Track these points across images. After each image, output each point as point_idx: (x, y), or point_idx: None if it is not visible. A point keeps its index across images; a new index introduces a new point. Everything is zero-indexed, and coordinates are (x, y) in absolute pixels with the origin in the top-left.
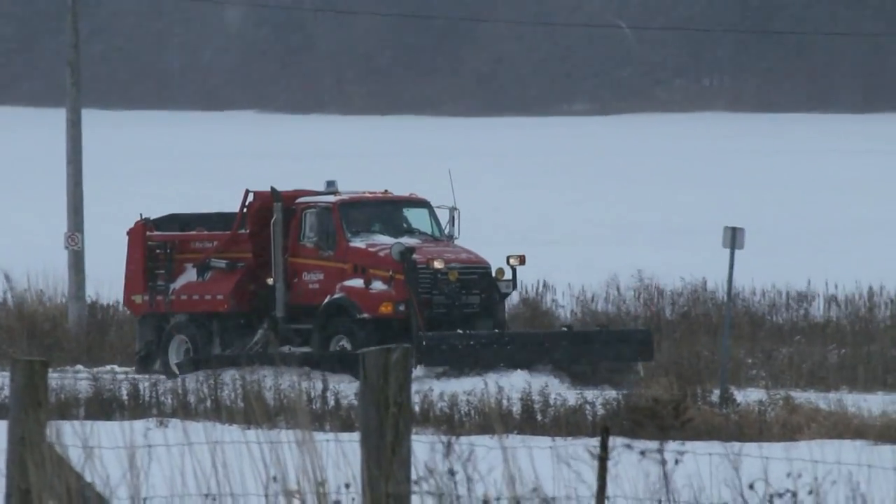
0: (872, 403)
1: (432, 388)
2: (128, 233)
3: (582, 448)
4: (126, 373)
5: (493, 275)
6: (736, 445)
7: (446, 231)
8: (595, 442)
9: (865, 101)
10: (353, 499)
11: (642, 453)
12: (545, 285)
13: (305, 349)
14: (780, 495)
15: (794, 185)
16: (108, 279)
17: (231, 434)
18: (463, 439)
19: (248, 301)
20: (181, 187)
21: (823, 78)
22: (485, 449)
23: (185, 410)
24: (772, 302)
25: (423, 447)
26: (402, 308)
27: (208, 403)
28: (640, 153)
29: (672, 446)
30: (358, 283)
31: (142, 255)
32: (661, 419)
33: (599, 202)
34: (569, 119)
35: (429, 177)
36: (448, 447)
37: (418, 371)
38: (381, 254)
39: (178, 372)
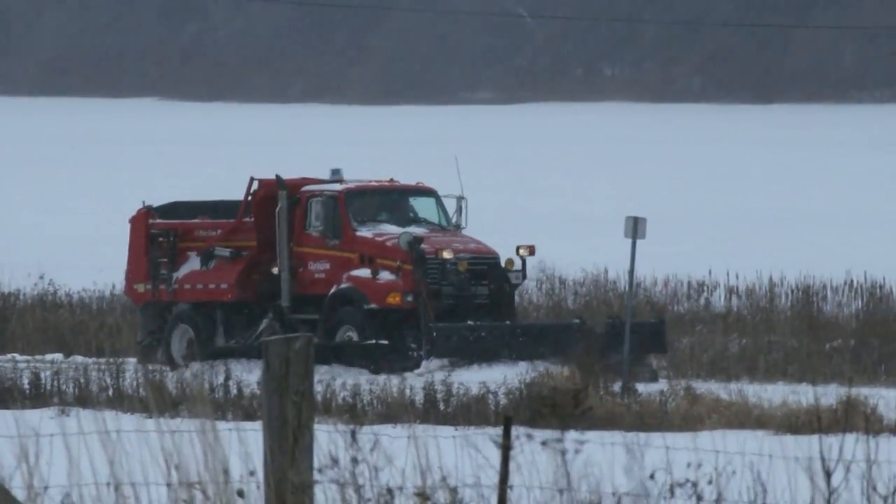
0: (773, 394)
1: (447, 378)
2: (130, 220)
3: (485, 437)
4: (28, 361)
5: (503, 265)
6: (637, 435)
7: (453, 220)
8: (498, 431)
9: (763, 91)
10: (258, 486)
11: (544, 443)
12: None
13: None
14: (681, 485)
15: (695, 176)
16: (8, 265)
17: (132, 423)
18: (366, 429)
19: (252, 290)
20: (74, 174)
21: (722, 68)
22: (388, 438)
23: (85, 400)
24: (673, 292)
25: (327, 436)
26: (409, 298)
27: (110, 392)
28: (542, 142)
29: (573, 436)
30: (365, 272)
31: (144, 243)
32: (561, 408)
33: (502, 191)
34: (472, 107)
35: (322, 163)
36: (353, 436)
37: (429, 362)
38: (389, 243)
39: (182, 363)
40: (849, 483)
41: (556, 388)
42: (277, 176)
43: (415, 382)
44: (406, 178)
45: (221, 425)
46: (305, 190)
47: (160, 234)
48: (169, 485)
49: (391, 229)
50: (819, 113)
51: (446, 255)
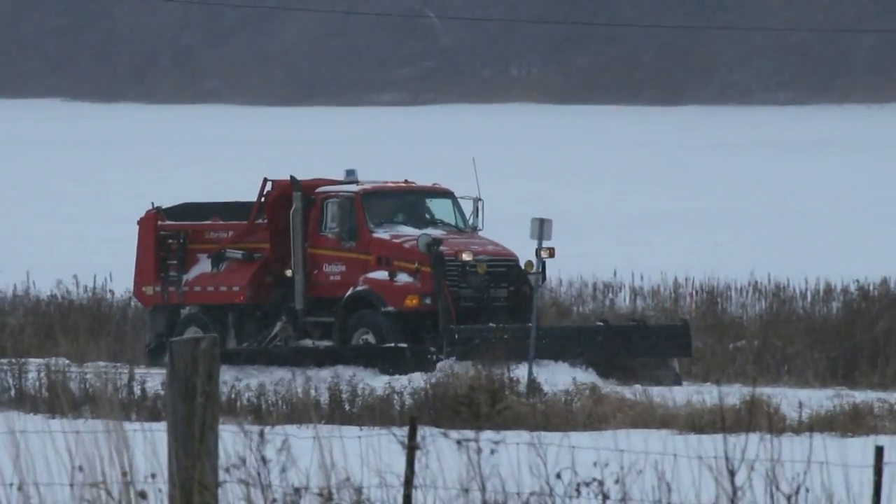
0: (677, 393)
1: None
2: (138, 222)
3: (391, 438)
4: None
5: (523, 267)
6: (543, 435)
7: (470, 222)
8: (404, 431)
9: (669, 92)
10: (160, 489)
11: (459, 442)
12: None
13: (326, 343)
14: (587, 484)
15: (600, 177)
16: None
17: (36, 424)
18: (271, 429)
19: (265, 293)
20: None
21: (628, 70)
22: (294, 439)
23: None
24: (578, 292)
25: (232, 437)
26: (428, 301)
27: (12, 393)
28: (448, 143)
29: (486, 435)
30: (382, 275)
31: (153, 244)
32: (477, 408)
33: None
34: (378, 109)
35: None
36: (261, 436)
37: (450, 364)
38: (407, 245)
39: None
40: (752, 482)
41: (473, 387)
42: (292, 177)
43: (319, 383)
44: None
45: (126, 426)
46: (321, 191)
47: (169, 235)
48: (72, 485)
49: (408, 231)
50: (724, 115)
51: (465, 257)
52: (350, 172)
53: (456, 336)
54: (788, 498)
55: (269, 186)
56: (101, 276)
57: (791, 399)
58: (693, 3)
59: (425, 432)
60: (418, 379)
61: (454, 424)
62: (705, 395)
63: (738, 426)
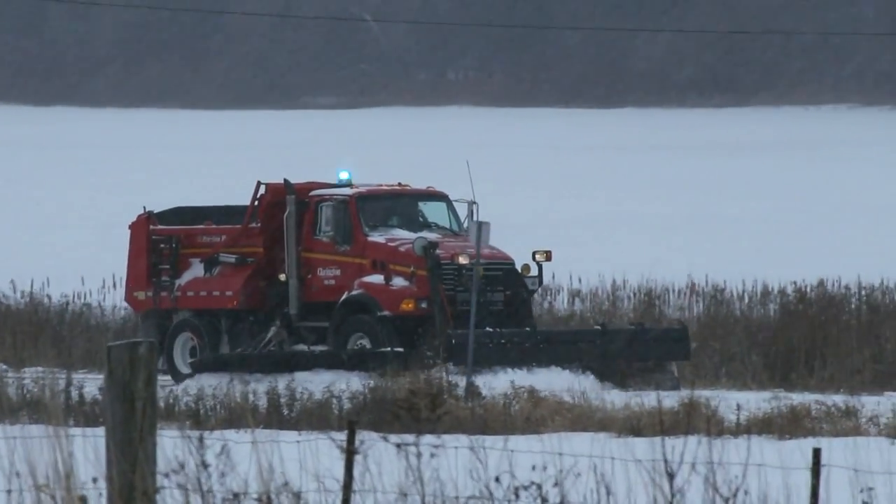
0: (616, 397)
1: (458, 383)
2: (130, 226)
3: (331, 443)
4: None
5: (520, 271)
6: (482, 438)
7: (465, 225)
8: (344, 436)
9: (608, 95)
10: (101, 493)
11: (399, 446)
12: None
13: (321, 348)
14: (526, 487)
15: (539, 180)
16: None
17: None
18: (210, 434)
19: (258, 297)
20: None
21: (567, 72)
22: (232, 443)
23: None
24: None
25: (171, 442)
26: (424, 305)
27: None
28: (385, 146)
29: (426, 440)
30: (377, 279)
31: (145, 249)
32: (417, 412)
33: None
34: (315, 112)
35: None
36: (201, 441)
37: (443, 368)
38: (402, 249)
39: (185, 371)
40: (691, 485)
41: (413, 390)
42: (286, 180)
43: (258, 387)
44: (248, 184)
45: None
46: (314, 194)
47: (162, 240)
48: (10, 491)
49: (403, 234)
50: (662, 117)
51: (462, 260)
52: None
53: (454, 340)
54: (727, 500)
55: (262, 190)
56: (38, 281)
57: (729, 401)
58: (630, 4)
59: (364, 437)
60: (356, 383)
61: (393, 429)
62: (643, 397)
63: (676, 429)
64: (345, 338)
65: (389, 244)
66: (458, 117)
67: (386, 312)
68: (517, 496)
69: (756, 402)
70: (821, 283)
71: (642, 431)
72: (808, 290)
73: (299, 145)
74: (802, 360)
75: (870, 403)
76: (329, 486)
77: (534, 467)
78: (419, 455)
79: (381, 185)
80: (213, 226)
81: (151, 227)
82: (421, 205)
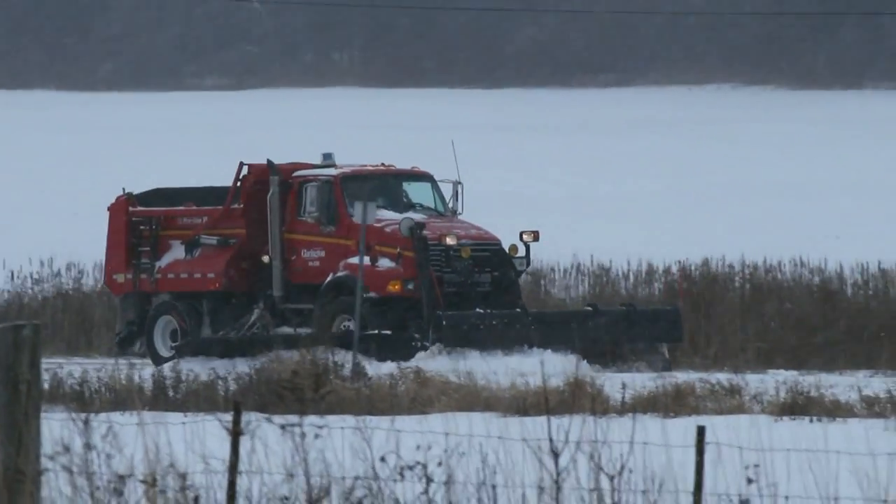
0: (502, 376)
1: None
2: (108, 208)
3: (217, 424)
4: None
5: (507, 251)
6: (368, 419)
7: (450, 206)
8: (229, 417)
9: (490, 75)
10: None
11: (283, 427)
12: None
13: (305, 330)
14: (412, 467)
15: (424, 159)
16: None
17: None
18: (95, 416)
19: (240, 279)
20: None
21: (450, 52)
22: (117, 426)
23: None
24: None
25: (57, 424)
26: (410, 286)
27: None
28: (271, 127)
29: (310, 420)
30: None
31: (124, 231)
32: (301, 392)
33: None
34: (200, 94)
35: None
36: (87, 424)
37: (435, 350)
38: (388, 230)
39: (165, 355)
40: (576, 463)
41: (296, 371)
42: (269, 161)
43: (144, 371)
44: (148, 165)
45: None
46: (298, 175)
47: (141, 221)
48: None
49: (389, 215)
50: (547, 97)
51: (449, 241)
52: (327, 156)
53: (444, 322)
54: (612, 478)
55: (244, 171)
56: None
57: (614, 380)
58: None
59: (250, 417)
60: (242, 364)
61: (279, 409)
62: (529, 377)
63: (561, 408)
64: (330, 320)
65: (375, 225)
66: (345, 98)
67: (372, 294)
68: (403, 476)
69: (641, 381)
70: (705, 262)
71: (528, 411)
72: (693, 269)
73: (186, 127)
74: (686, 338)
75: (753, 381)
76: (215, 467)
77: (419, 447)
78: (303, 435)
79: (366, 166)
80: (194, 207)
81: (131, 208)
82: (405, 185)
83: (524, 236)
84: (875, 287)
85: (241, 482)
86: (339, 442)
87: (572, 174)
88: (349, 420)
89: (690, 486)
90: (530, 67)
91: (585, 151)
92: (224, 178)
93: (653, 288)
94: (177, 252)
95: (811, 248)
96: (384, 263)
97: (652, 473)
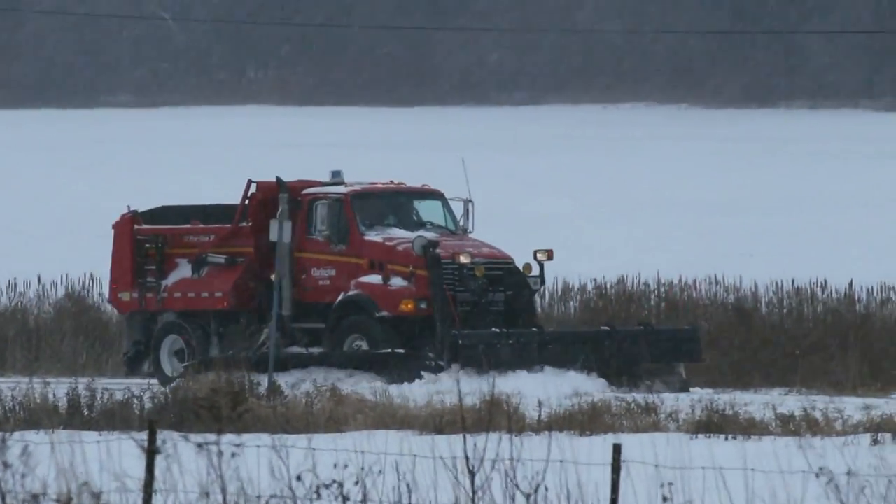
0: (418, 394)
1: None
2: (113, 226)
3: (132, 443)
4: None
5: (521, 270)
6: (284, 437)
7: (461, 224)
8: (145, 436)
9: (410, 93)
10: None
11: (199, 445)
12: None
13: (316, 349)
14: (328, 486)
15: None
16: None
17: None
18: (10, 435)
19: (248, 298)
20: None
21: (370, 70)
22: (33, 445)
23: None
24: None
25: None
26: (423, 306)
27: None
28: (185, 145)
29: (227, 438)
30: (375, 279)
31: (129, 249)
32: (218, 410)
33: (135, 196)
34: (113, 111)
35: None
36: (3, 442)
37: (452, 371)
38: (401, 248)
39: (171, 374)
40: (492, 481)
41: (214, 389)
42: (278, 178)
43: (59, 389)
44: (61, 182)
45: None
46: (307, 192)
47: (147, 240)
48: None
49: (400, 233)
50: (464, 115)
51: (463, 259)
52: (336, 174)
53: (460, 342)
54: (527, 496)
55: (253, 188)
56: None
57: (531, 398)
58: (433, 4)
59: (165, 436)
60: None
61: (195, 428)
62: (445, 395)
63: (478, 426)
64: (341, 339)
65: (386, 243)
66: (259, 116)
67: (384, 313)
68: (319, 495)
69: (557, 399)
70: (620, 280)
71: (445, 429)
72: (608, 286)
73: (97, 144)
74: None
75: (669, 399)
76: (130, 486)
77: (335, 466)
78: (220, 454)
79: (376, 183)
80: (201, 225)
81: (136, 226)
82: (416, 203)
83: (538, 255)
84: (789, 305)
85: (157, 501)
86: (254, 461)
87: (486, 192)
88: (265, 439)
89: None
90: (449, 86)
91: (499, 169)
92: (140, 197)
93: (568, 307)
94: (183, 270)
95: (726, 266)
96: (396, 282)
97: (567, 491)
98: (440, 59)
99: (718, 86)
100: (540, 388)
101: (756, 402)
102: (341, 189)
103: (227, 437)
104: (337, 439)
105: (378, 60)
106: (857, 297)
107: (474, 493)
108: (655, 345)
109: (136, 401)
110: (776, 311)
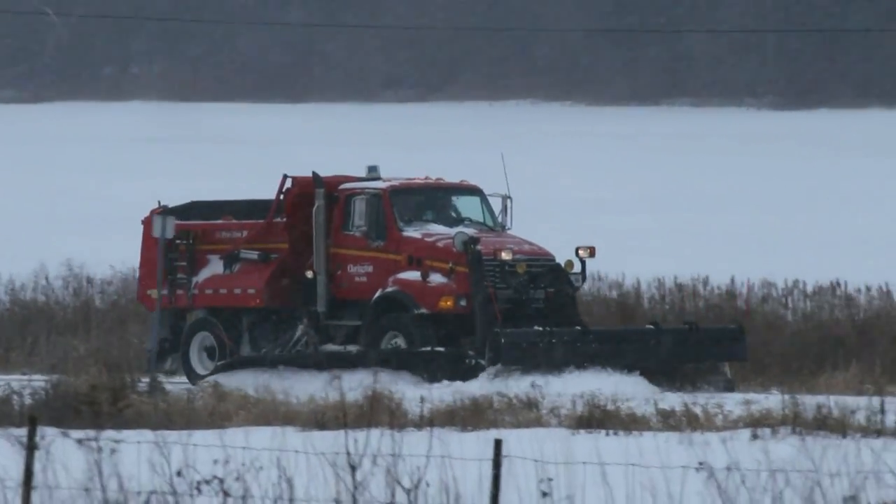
0: (300, 391)
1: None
2: (143, 222)
3: (11, 439)
4: None
5: (563, 267)
6: (166, 434)
7: (499, 220)
8: (23, 431)
9: (296, 90)
10: None
11: (80, 441)
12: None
13: (352, 347)
14: (208, 482)
15: (226, 174)
16: None
17: None
18: None
19: (282, 295)
20: None
21: (252, 67)
22: None
23: None
24: None
25: None
26: (463, 303)
27: None
28: (67, 141)
29: (107, 434)
30: (414, 275)
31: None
32: (99, 406)
33: (23, 194)
34: None
35: None
36: None
37: (492, 371)
38: (440, 244)
39: (202, 372)
40: (374, 477)
41: (94, 385)
42: (314, 173)
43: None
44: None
45: None
46: (344, 188)
47: (177, 236)
48: None
49: (439, 229)
50: (351, 113)
51: (505, 256)
52: (372, 168)
53: (503, 340)
54: (408, 492)
55: (288, 183)
56: None
57: (413, 394)
58: (314, 1)
59: (45, 432)
60: (39, 379)
61: (76, 424)
62: (328, 391)
63: (360, 422)
64: (378, 337)
65: (426, 239)
66: (143, 112)
67: (423, 310)
68: (199, 491)
69: (439, 394)
70: None
71: (326, 425)
72: None
73: None
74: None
75: (550, 395)
76: (9, 484)
77: (216, 462)
78: (100, 450)
79: (413, 179)
80: (234, 221)
81: None
82: (454, 199)
83: (580, 252)
84: (671, 302)
85: (35, 498)
86: (135, 456)
87: None
88: (146, 434)
89: (487, 500)
90: (332, 82)
91: (387, 166)
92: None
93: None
94: (215, 267)
95: (609, 263)
96: (435, 279)
97: (449, 486)
98: (326, 55)
99: (603, 84)
100: (583, 389)
101: (637, 398)
102: (379, 184)
103: (108, 434)
104: (219, 435)
105: (264, 57)
106: (738, 293)
107: (355, 488)
108: (701, 343)
109: (16, 397)
110: (658, 308)
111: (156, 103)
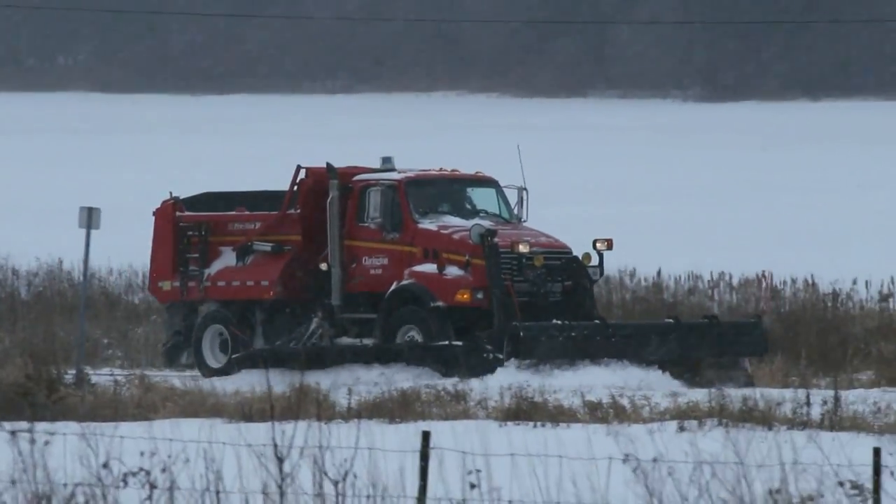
0: (227, 382)
1: (529, 383)
2: (154, 213)
3: None
4: None
5: (580, 260)
6: (93, 426)
7: (515, 212)
8: None
9: (225, 81)
10: None
11: (13, 433)
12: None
13: (367, 341)
14: (135, 474)
15: (154, 165)
16: None
17: None
18: None
19: (296, 288)
20: None
21: (181, 58)
22: None
23: None
24: (128, 282)
25: None
26: (480, 296)
27: None
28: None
29: (41, 427)
30: (430, 268)
31: (171, 237)
32: (33, 398)
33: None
34: None
35: None
36: None
37: (510, 365)
38: (457, 236)
39: (214, 366)
40: (301, 469)
41: (29, 376)
42: (329, 164)
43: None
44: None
45: None
46: (359, 179)
47: (189, 227)
48: None
49: (455, 221)
50: (275, 104)
51: (522, 248)
52: (386, 160)
53: (522, 333)
54: (336, 484)
55: (302, 174)
56: None
57: (341, 387)
58: None
59: None
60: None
61: (4, 416)
62: (255, 384)
63: (287, 414)
64: (393, 330)
65: (442, 231)
66: (71, 103)
67: (439, 303)
68: (126, 482)
69: (367, 387)
70: None
71: (254, 417)
72: None
73: None
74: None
75: (478, 387)
76: None
77: (143, 453)
78: (33, 441)
79: (429, 170)
80: (247, 212)
81: (178, 213)
82: (470, 190)
83: (598, 244)
84: (598, 294)
85: None
86: (61, 448)
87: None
88: (73, 427)
89: (415, 491)
90: (260, 73)
91: (309, 158)
92: None
93: None
94: (227, 259)
95: None
96: (452, 272)
97: (377, 478)
98: (253, 45)
99: (529, 75)
100: (603, 382)
101: (565, 390)
102: (394, 176)
103: (42, 426)
104: (146, 427)
105: (193, 48)
106: (664, 286)
107: (283, 480)
108: (720, 338)
109: None
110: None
111: (82, 94)
